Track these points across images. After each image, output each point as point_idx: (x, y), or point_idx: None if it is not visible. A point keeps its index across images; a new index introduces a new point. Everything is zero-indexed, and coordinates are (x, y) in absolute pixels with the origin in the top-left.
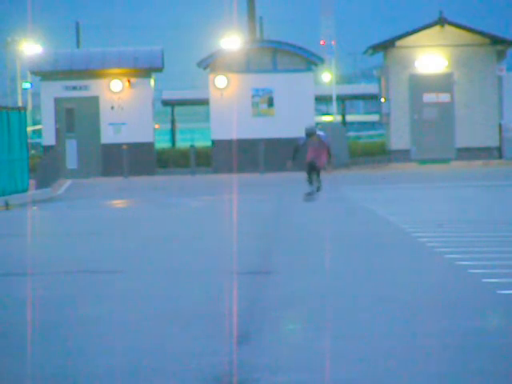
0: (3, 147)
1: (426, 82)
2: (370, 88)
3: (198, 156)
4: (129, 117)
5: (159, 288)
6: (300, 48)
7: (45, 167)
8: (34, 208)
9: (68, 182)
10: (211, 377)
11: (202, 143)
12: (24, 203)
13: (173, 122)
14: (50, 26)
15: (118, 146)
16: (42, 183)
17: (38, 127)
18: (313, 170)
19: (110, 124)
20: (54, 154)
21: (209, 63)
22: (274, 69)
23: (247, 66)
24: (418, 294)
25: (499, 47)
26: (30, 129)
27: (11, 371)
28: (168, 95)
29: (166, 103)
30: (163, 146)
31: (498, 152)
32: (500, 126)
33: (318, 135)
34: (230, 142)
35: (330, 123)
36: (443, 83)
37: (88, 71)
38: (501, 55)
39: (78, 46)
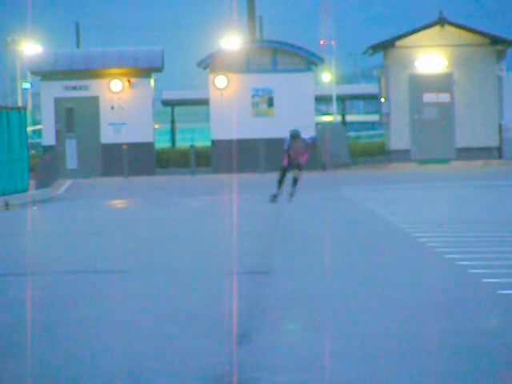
0: (3, 147)
1: (426, 82)
2: (369, 88)
3: (198, 156)
4: (129, 117)
5: (159, 288)
6: (300, 48)
7: (45, 167)
8: (34, 208)
9: (68, 182)
10: (211, 377)
11: (202, 143)
12: (24, 203)
13: (173, 121)
14: (50, 26)
15: (118, 145)
16: (42, 183)
17: (37, 127)
18: (286, 175)
19: (110, 124)
20: (53, 153)
21: (209, 63)
22: (274, 69)
23: (247, 66)
24: (418, 293)
25: (499, 47)
26: (29, 129)
27: (11, 371)
28: (168, 95)
29: (165, 103)
30: (163, 146)
31: (498, 152)
32: (500, 125)
33: (303, 138)
34: (229, 141)
35: (329, 123)
36: (443, 83)
37: (88, 71)
38: (501, 55)
39: (78, 46)
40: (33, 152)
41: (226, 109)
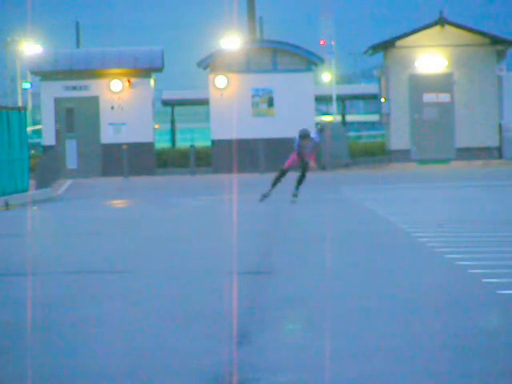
0: (3, 147)
1: (426, 82)
2: (369, 88)
3: (197, 156)
4: (129, 117)
5: (159, 288)
6: (300, 48)
7: (45, 167)
8: (34, 208)
9: (68, 182)
10: (211, 377)
11: (202, 143)
12: (24, 203)
13: (173, 121)
14: (49, 26)
15: (118, 146)
16: (42, 183)
17: (38, 127)
18: (283, 176)
19: (110, 124)
20: (53, 153)
21: (209, 63)
22: (274, 69)
23: (247, 66)
24: (418, 293)
25: (499, 47)
26: (29, 129)
27: (11, 371)
28: (168, 95)
29: (165, 103)
30: (163, 146)
31: (497, 152)
32: (500, 125)
33: (312, 138)
34: (229, 141)
35: (330, 123)
36: (443, 83)
37: (88, 71)
38: (501, 55)
39: (77, 46)
40: (33, 152)
41: (226, 109)
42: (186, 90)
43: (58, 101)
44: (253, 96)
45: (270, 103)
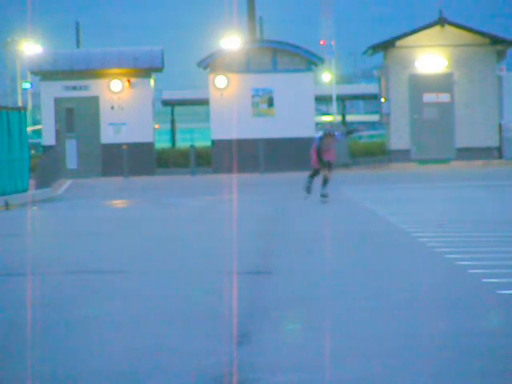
0: (3, 147)
1: (426, 82)
2: (370, 88)
3: (198, 156)
4: (129, 117)
5: (159, 288)
6: (300, 48)
7: (45, 167)
8: (34, 208)
9: (68, 182)
10: (211, 377)
11: (202, 143)
12: (24, 203)
13: (173, 121)
14: (49, 26)
15: (118, 146)
16: (42, 183)
17: (38, 127)
18: (316, 173)
19: (110, 124)
20: (53, 153)
21: (209, 63)
22: (274, 69)
23: (247, 66)
24: (418, 294)
25: (499, 47)
26: (29, 129)
27: (11, 371)
28: (168, 95)
29: (166, 103)
30: (163, 146)
31: (497, 152)
32: (500, 125)
33: (336, 135)
34: (229, 141)
35: (330, 123)
36: (443, 83)
37: (88, 71)
38: (501, 55)
39: (77, 46)
40: (33, 152)
41: (226, 109)
42: (185, 90)
43: (57, 101)
44: (253, 96)
45: (270, 103)
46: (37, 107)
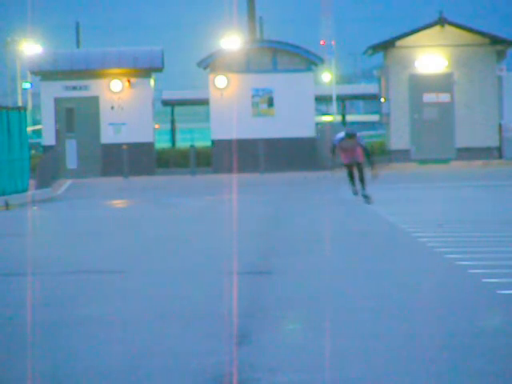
0: (3, 147)
1: (426, 82)
2: (369, 88)
3: (198, 156)
4: (129, 117)
5: (159, 288)
6: (300, 48)
7: (45, 167)
8: (34, 208)
9: (68, 182)
10: (211, 377)
11: (202, 143)
12: (24, 203)
13: (173, 121)
14: (49, 26)
15: (118, 146)
16: (42, 183)
17: (38, 127)
18: (351, 171)
19: (110, 124)
20: (54, 153)
21: (209, 63)
22: (274, 69)
23: (247, 66)
24: (418, 293)
25: (499, 47)
26: (29, 129)
27: (11, 371)
28: (168, 95)
29: (166, 103)
30: (163, 146)
31: (497, 152)
32: (500, 125)
33: (357, 137)
34: (229, 141)
35: (330, 123)
36: (443, 83)
37: (88, 71)
38: (501, 55)
39: (78, 46)
40: (33, 152)
41: (226, 109)
42: (185, 90)
43: (57, 101)
44: (253, 96)
45: (270, 103)
46: (37, 107)
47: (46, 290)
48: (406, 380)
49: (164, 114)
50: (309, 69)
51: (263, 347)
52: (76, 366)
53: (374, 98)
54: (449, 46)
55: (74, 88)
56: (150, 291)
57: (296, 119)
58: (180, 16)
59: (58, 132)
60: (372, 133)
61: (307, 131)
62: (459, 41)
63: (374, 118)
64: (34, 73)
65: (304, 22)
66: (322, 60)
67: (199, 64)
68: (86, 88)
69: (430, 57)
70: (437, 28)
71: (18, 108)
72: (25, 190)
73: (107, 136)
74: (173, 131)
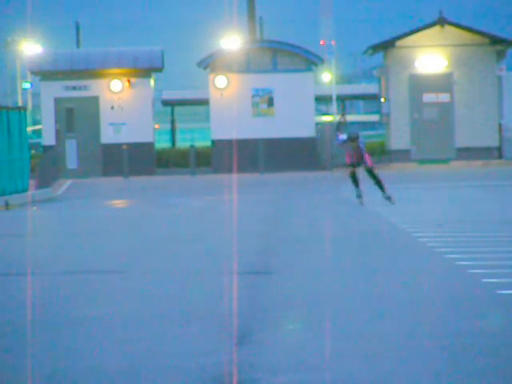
0: (3, 147)
1: (426, 82)
2: (370, 88)
3: (198, 156)
4: (129, 117)
5: (159, 288)
6: (300, 48)
7: (45, 167)
8: (34, 208)
9: (68, 182)
10: (211, 377)
11: (202, 143)
12: (24, 203)
13: (173, 121)
14: (49, 26)
15: (118, 146)
16: (42, 183)
17: (38, 127)
18: (354, 173)
19: (110, 124)
20: (53, 153)
21: (209, 63)
22: (274, 69)
23: (247, 66)
24: (418, 293)
25: (499, 47)
26: (29, 129)
27: (11, 371)
28: (168, 95)
29: (166, 103)
30: (163, 146)
31: (497, 152)
32: (500, 125)
33: (359, 141)
34: (229, 141)
35: (330, 123)
36: (443, 83)
37: (88, 71)
38: (501, 55)
39: (78, 46)
40: (33, 152)
41: (226, 109)
42: (185, 90)
43: (57, 101)
44: (253, 96)
45: (270, 103)
46: (37, 107)
47: (46, 290)
48: (406, 380)
49: (164, 114)
50: (309, 69)
51: (263, 347)
52: (76, 365)
53: (374, 97)
54: (449, 45)
55: (74, 88)
56: (150, 291)
57: (296, 119)
58: (180, 16)
59: (58, 132)
60: (372, 133)
61: (307, 131)
62: (459, 41)
63: (374, 117)
64: (34, 73)
65: (304, 22)
66: (321, 60)
67: (199, 64)
68: (85, 88)
69: (430, 57)
70: (437, 28)
71: (18, 108)
72: (25, 190)
73: (107, 136)
74: (173, 131)
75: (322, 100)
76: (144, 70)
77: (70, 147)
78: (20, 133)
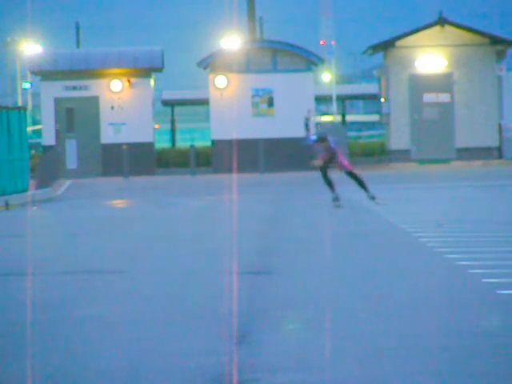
0: (3, 147)
1: (426, 82)
2: (370, 88)
3: (198, 156)
4: (129, 117)
5: (159, 288)
6: (300, 48)
7: (45, 167)
8: (34, 208)
9: (68, 182)
10: (211, 377)
11: (202, 143)
12: (24, 203)
13: (173, 122)
14: (49, 26)
15: (118, 146)
16: (42, 183)
17: (38, 127)
18: (326, 174)
19: (110, 124)
20: (54, 153)
21: (209, 63)
22: (274, 69)
23: (247, 66)
24: (418, 294)
25: (499, 47)
26: (29, 129)
27: (11, 371)
28: (168, 95)
29: (166, 103)
30: (163, 146)
31: (497, 152)
32: (500, 125)
33: (329, 141)
34: (229, 141)
35: (330, 123)
36: (443, 83)
37: (88, 71)
38: (501, 55)
39: (78, 46)
40: (33, 152)
41: (226, 109)
42: (186, 90)
43: (57, 101)
44: (253, 96)
45: (270, 103)
46: (37, 107)
47: (46, 290)
48: (405, 380)
49: (164, 114)
50: (309, 69)
51: (263, 347)
52: (76, 365)
53: (374, 98)
54: (449, 45)
55: (74, 88)
56: (150, 291)
57: (296, 119)
58: (180, 16)
59: (58, 132)
60: (373, 132)
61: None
62: (459, 41)
63: (374, 117)
64: (34, 73)
65: (304, 22)
66: (321, 60)
67: (199, 64)
68: (85, 88)
69: (430, 57)
70: (437, 28)
71: (18, 108)
72: (25, 190)
73: (107, 136)
74: (173, 131)
75: (321, 100)
76: (144, 69)
77: (70, 147)
78: (20, 133)
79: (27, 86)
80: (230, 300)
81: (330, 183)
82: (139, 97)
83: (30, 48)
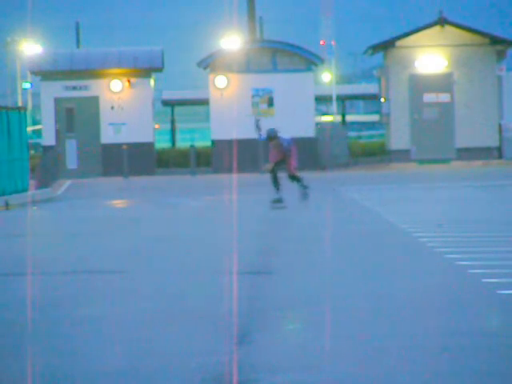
0: (3, 147)
1: (426, 82)
2: (370, 88)
3: (198, 156)
4: (129, 117)
5: (159, 288)
6: (300, 48)
7: (45, 167)
8: (34, 208)
9: (68, 182)
10: (211, 377)
11: (202, 143)
12: (24, 203)
13: (173, 122)
14: (50, 26)
15: (118, 145)
16: (42, 183)
17: (38, 127)
18: (275, 173)
19: (110, 124)
20: (53, 154)
21: (209, 63)
22: (274, 69)
23: (247, 66)
24: (418, 294)
25: (499, 47)
26: (29, 129)
27: (11, 371)
28: (168, 95)
29: (166, 103)
30: (163, 146)
31: (497, 152)
32: (500, 125)
33: (280, 139)
34: (229, 141)
35: (330, 123)
36: (443, 83)
37: (88, 71)
38: (501, 55)
39: (77, 46)
40: (33, 152)
41: (226, 109)
42: (186, 90)
43: (57, 101)
44: (253, 96)
45: (270, 103)
46: (37, 107)
47: (46, 290)
48: (405, 380)
49: (164, 114)
50: (309, 69)
51: (263, 347)
52: (76, 365)
53: (374, 98)
54: (449, 45)
55: (74, 88)
56: (150, 291)
57: (296, 119)
58: (180, 16)
59: (58, 132)
60: (373, 132)
61: (307, 131)
62: (459, 41)
63: (374, 118)
64: (34, 73)
65: (304, 22)
66: (321, 60)
67: (199, 64)
68: (85, 88)
69: (430, 57)
70: (437, 28)
71: (18, 108)
72: (25, 190)
73: (107, 136)
74: (173, 131)
75: (321, 100)
76: (144, 69)
77: (70, 147)
78: (20, 133)
79: (27, 86)
80: (230, 300)
81: (277, 184)
82: (139, 97)
83: (30, 48)
